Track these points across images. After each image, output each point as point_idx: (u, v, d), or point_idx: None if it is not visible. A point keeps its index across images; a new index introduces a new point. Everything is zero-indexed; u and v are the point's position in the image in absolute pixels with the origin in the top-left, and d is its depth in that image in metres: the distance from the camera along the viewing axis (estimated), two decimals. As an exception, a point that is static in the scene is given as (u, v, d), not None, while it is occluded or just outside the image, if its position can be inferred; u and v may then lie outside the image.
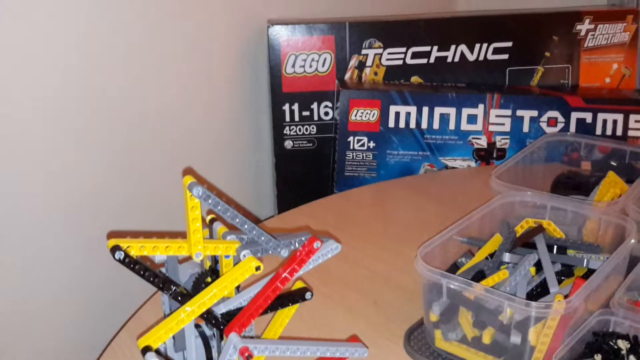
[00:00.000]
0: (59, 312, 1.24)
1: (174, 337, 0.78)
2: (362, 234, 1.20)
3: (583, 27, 1.50)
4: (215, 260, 0.76)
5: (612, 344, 0.82)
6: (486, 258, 0.97)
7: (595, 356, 0.81)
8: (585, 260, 0.95)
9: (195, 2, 1.32)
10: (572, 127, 1.41)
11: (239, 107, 1.47)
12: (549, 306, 0.78)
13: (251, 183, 1.54)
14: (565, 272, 0.95)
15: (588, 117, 1.42)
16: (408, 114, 1.41)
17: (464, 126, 1.42)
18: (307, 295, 0.76)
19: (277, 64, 1.42)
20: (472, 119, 1.41)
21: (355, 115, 1.40)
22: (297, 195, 1.43)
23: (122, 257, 0.64)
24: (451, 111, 1.41)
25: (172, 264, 0.75)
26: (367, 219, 1.27)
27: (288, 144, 1.48)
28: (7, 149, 1.12)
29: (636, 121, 1.41)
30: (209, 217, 0.75)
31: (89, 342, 1.23)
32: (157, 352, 0.66)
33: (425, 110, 1.41)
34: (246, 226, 0.67)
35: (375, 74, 1.47)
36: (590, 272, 0.91)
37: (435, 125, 1.42)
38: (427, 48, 1.47)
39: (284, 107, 1.46)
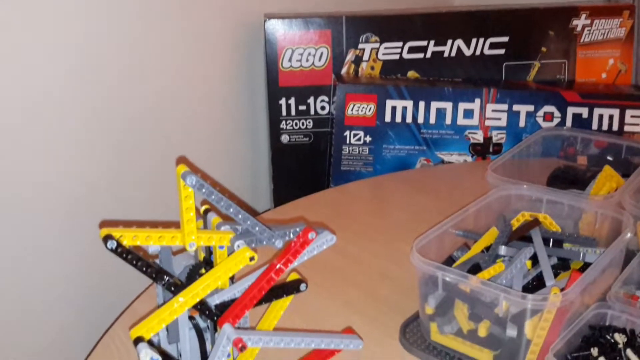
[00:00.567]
0: (55, 307, 1.23)
1: (167, 329, 0.77)
2: (358, 228, 1.19)
3: (579, 22, 1.49)
4: (209, 251, 0.76)
5: (608, 337, 0.82)
6: (482, 251, 0.96)
7: (591, 350, 0.80)
8: (582, 254, 0.94)
9: (192, -4, 1.32)
10: (569, 122, 1.41)
11: (236, 101, 1.47)
12: (545, 299, 0.78)
13: (247, 177, 1.54)
14: (562, 265, 0.95)
15: (584, 112, 1.41)
16: (404, 109, 1.40)
17: (461, 121, 1.41)
18: (302, 286, 0.75)
19: (273, 58, 1.42)
20: (468, 113, 1.41)
21: (352, 110, 1.40)
22: (293, 190, 1.42)
23: (114, 247, 0.63)
24: (447, 106, 1.41)
25: (166, 256, 0.75)
26: (363, 213, 1.26)
27: (284, 138, 1.48)
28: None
29: (632, 116, 1.40)
30: (203, 208, 0.75)
31: (85, 338, 1.23)
32: (150, 343, 0.65)
33: (422, 104, 1.40)
34: (240, 216, 0.66)
35: (372, 68, 1.46)
36: (586, 266, 0.91)
37: (432, 120, 1.41)
38: (424, 43, 1.47)
39: (280, 102, 1.45)
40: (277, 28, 1.40)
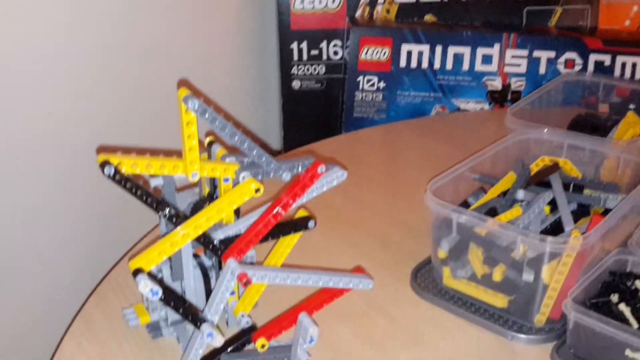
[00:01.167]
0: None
1: (171, 267, 0.74)
2: (370, 173, 1.16)
3: (604, -34, 1.43)
4: (214, 186, 0.73)
5: (629, 284, 0.78)
6: (498, 196, 0.93)
7: (611, 296, 0.77)
8: (603, 200, 0.91)
9: None
10: (590, 70, 1.36)
11: (246, 46, 1.42)
12: (565, 241, 0.74)
13: (257, 124, 1.50)
14: (581, 211, 0.92)
15: (607, 59, 1.36)
16: (420, 53, 1.35)
17: (479, 67, 1.36)
18: (310, 224, 0.72)
19: (285, 0, 1.37)
20: (487, 59, 1.36)
21: (366, 54, 1.35)
22: (304, 137, 1.38)
23: (112, 173, 0.60)
24: (465, 51, 1.35)
25: (169, 190, 0.72)
26: (375, 159, 1.23)
27: (296, 84, 1.44)
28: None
29: (657, 65, 1.35)
30: (207, 140, 0.71)
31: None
32: (151, 276, 0.62)
33: (439, 49, 1.35)
34: (246, 145, 0.62)
35: (388, 11, 1.41)
36: (607, 212, 0.87)
37: (449, 66, 1.36)
38: (442, -15, 1.41)
39: (292, 46, 1.41)
40: (289, -32, 1.35)
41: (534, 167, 0.97)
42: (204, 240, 0.65)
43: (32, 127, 1.13)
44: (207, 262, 0.77)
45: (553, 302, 0.78)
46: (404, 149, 1.29)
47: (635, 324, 0.74)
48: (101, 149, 1.10)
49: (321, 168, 0.67)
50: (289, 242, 0.73)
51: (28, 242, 1.18)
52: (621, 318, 0.74)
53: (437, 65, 1.36)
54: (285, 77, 1.43)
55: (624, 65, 1.36)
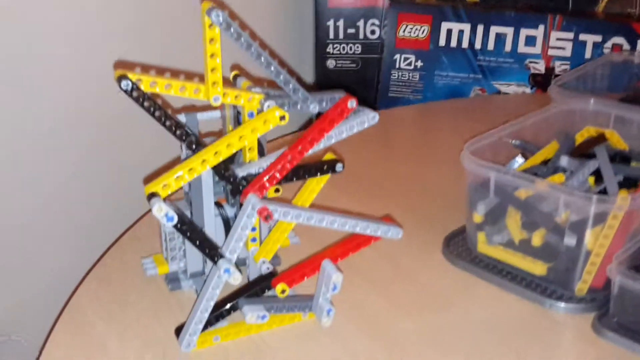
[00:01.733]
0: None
1: (191, 212, 0.71)
2: (403, 149, 1.12)
3: (658, -48, 1.38)
4: (238, 122, 0.69)
5: (679, 253, 0.73)
6: (540, 164, 0.87)
7: (659, 265, 0.71)
8: (651, 172, 0.85)
9: None
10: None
11: (280, 21, 1.39)
12: (612, 201, 0.69)
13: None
14: (627, 184, 0.85)
15: (656, 46, 1.30)
16: (461, 32, 1.31)
17: (521, 48, 1.31)
18: (338, 166, 0.68)
19: (323, -24, 1.34)
20: (530, 40, 1.31)
21: (404, 31, 1.31)
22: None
23: (129, 88, 0.56)
24: (508, 31, 1.30)
25: (192, 123, 0.68)
26: (409, 136, 1.19)
27: (330, 63, 1.40)
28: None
29: None
30: (232, 74, 0.67)
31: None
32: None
33: (480, 28, 1.30)
34: (272, 68, 0.58)
35: (428, -11, 1.37)
36: (656, 184, 0.81)
37: (490, 46, 1.31)
38: (487, -36, 1.37)
39: (328, 23, 1.37)
40: (329, -59, 1.32)
41: (579, 138, 0.91)
42: (224, 171, 0.61)
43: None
44: (230, 212, 0.73)
45: (596, 269, 0.72)
46: (440, 127, 1.24)
47: (686, 293, 0.68)
48: (119, 64, 1.06)
49: (351, 103, 0.63)
50: (314, 187, 0.69)
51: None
52: (670, 286, 0.68)
53: (478, 45, 1.31)
54: (320, 55, 1.40)
55: (673, 52, 1.30)
